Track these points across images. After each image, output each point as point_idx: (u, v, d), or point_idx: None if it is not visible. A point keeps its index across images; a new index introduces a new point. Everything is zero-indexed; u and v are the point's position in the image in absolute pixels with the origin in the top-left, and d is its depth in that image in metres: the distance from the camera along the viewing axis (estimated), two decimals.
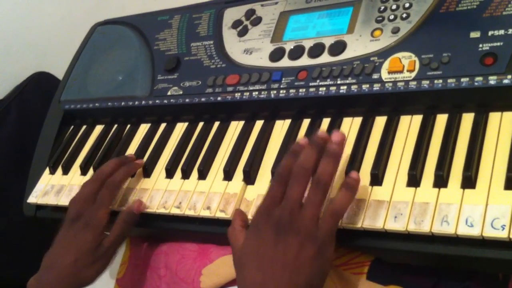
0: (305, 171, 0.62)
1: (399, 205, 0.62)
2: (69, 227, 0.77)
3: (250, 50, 0.84)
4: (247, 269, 0.61)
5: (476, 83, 0.65)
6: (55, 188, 0.90)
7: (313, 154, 0.63)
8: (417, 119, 0.69)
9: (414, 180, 0.63)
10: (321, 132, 0.65)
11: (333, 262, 0.63)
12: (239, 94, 0.81)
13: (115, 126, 0.94)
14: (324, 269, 0.60)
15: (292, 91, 0.77)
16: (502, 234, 0.55)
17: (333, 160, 0.63)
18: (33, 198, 0.91)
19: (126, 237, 0.81)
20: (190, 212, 0.75)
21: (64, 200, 0.86)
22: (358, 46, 0.75)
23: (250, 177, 0.74)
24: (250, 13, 0.88)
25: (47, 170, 0.93)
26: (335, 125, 0.74)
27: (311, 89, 0.76)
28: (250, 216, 0.70)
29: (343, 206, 0.61)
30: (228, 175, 0.76)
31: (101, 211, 0.77)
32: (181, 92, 0.86)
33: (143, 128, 0.91)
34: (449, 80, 0.66)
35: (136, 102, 0.90)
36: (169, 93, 0.87)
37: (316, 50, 0.78)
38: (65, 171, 0.92)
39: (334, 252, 0.61)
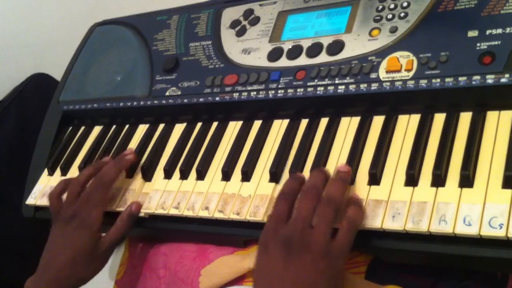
0: (316, 189, 0.63)
1: (397, 204, 0.62)
2: (64, 226, 0.77)
3: (248, 50, 0.84)
4: (257, 284, 0.61)
5: (474, 82, 0.65)
6: None
7: (322, 176, 0.64)
8: (415, 118, 0.69)
9: (412, 179, 0.63)
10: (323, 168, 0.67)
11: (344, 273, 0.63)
12: (237, 94, 0.81)
13: (114, 126, 0.94)
14: (338, 284, 0.60)
15: (290, 91, 0.77)
16: (500, 233, 0.55)
17: (343, 182, 0.64)
18: (31, 200, 0.91)
19: (124, 238, 0.81)
20: (188, 213, 0.75)
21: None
22: (356, 45, 0.75)
23: (248, 177, 0.74)
24: (248, 13, 0.88)
25: (45, 171, 0.93)
26: (333, 124, 0.74)
27: (309, 89, 0.76)
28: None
29: (359, 220, 0.61)
30: (226, 175, 0.76)
31: (96, 211, 0.77)
32: (179, 93, 0.86)
33: (142, 129, 0.91)
34: (447, 79, 0.66)
35: (135, 103, 0.90)
36: (167, 94, 0.87)
37: (314, 50, 0.78)
38: (64, 172, 0.91)
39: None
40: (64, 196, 0.81)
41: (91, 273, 0.77)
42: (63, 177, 0.91)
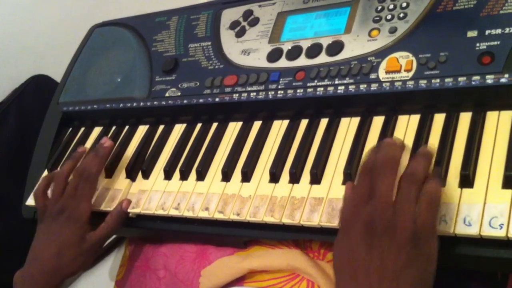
0: (394, 162, 0.56)
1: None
2: (51, 221, 0.78)
3: (248, 50, 0.84)
4: (340, 276, 0.56)
5: (473, 82, 0.65)
6: None
7: (399, 148, 0.58)
8: (415, 118, 0.69)
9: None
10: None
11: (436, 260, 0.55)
12: (237, 95, 0.81)
13: (114, 127, 0.94)
14: (429, 270, 0.54)
15: (290, 91, 0.77)
16: (500, 233, 0.55)
17: (426, 160, 0.57)
18: (31, 201, 0.90)
19: (111, 236, 0.81)
20: (188, 213, 0.75)
21: None
22: (355, 46, 0.75)
23: (248, 178, 0.74)
24: (247, 14, 0.88)
25: (45, 172, 0.93)
26: (333, 125, 0.74)
27: (309, 90, 0.76)
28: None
29: (439, 193, 0.55)
30: (226, 176, 0.76)
31: (82, 204, 0.78)
32: (179, 94, 0.86)
33: (142, 130, 0.91)
34: (447, 80, 0.66)
35: (134, 104, 0.90)
36: (167, 95, 0.87)
37: (314, 50, 0.78)
38: None
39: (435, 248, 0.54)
40: (49, 192, 0.82)
41: (78, 268, 0.78)
42: None
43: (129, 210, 0.80)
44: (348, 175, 0.67)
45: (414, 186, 0.55)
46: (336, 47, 0.77)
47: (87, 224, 0.78)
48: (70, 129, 0.99)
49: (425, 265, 0.53)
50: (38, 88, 1.22)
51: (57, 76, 1.09)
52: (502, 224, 0.55)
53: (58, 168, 0.90)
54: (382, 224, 0.53)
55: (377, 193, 0.55)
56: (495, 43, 0.65)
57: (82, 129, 0.97)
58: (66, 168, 0.82)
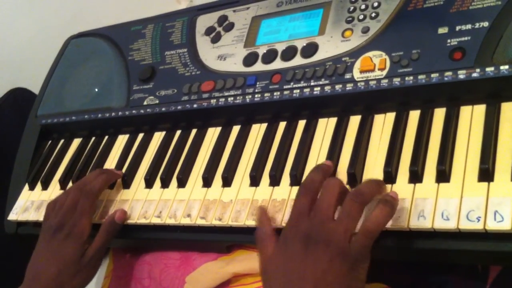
0: (338, 181, 0.60)
1: (376, 202, 0.62)
2: (51, 237, 0.77)
3: (224, 56, 0.84)
4: (273, 284, 0.58)
5: (446, 78, 0.65)
6: (35, 204, 0.89)
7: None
8: (391, 116, 0.70)
9: (389, 176, 0.64)
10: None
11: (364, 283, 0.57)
12: (215, 100, 0.81)
13: (93, 138, 0.94)
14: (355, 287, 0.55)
15: (267, 94, 0.77)
16: (478, 226, 0.56)
17: (376, 183, 0.60)
18: (13, 215, 0.90)
19: (107, 247, 0.80)
20: (171, 221, 0.75)
21: None
22: (329, 47, 0.76)
23: (229, 183, 0.74)
24: (222, 19, 0.88)
25: (26, 186, 0.93)
26: (310, 126, 0.74)
27: (286, 92, 0.76)
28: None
29: (380, 223, 0.57)
30: (207, 181, 0.76)
31: (83, 221, 0.77)
32: (157, 101, 0.86)
33: (121, 139, 0.91)
34: (420, 77, 0.67)
35: (113, 113, 0.90)
36: (145, 103, 0.87)
37: (289, 53, 0.78)
38: (45, 187, 0.91)
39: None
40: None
41: (80, 285, 0.76)
42: (44, 191, 0.90)
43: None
44: None
45: (356, 205, 0.57)
46: (310, 49, 0.77)
47: (87, 242, 0.77)
48: (50, 141, 0.98)
49: (353, 282, 0.55)
50: (16, 101, 1.21)
51: (36, 89, 1.09)
52: (480, 217, 0.56)
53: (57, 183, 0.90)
54: (319, 235, 0.56)
55: (318, 208, 0.58)
56: (466, 38, 0.66)
57: (62, 141, 0.97)
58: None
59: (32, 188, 0.92)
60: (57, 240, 0.76)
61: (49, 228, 0.78)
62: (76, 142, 0.95)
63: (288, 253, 0.57)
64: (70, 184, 0.88)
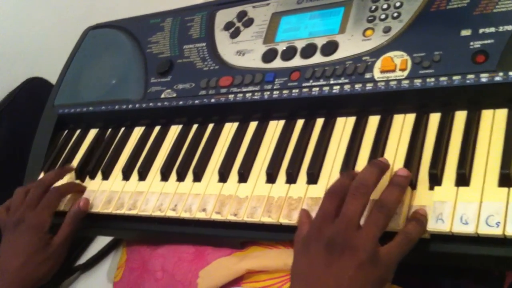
0: (365, 188, 0.58)
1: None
2: (12, 232, 0.80)
3: (242, 51, 0.84)
4: (295, 285, 0.58)
5: (467, 81, 0.65)
6: None
7: (374, 173, 0.60)
8: (410, 117, 0.69)
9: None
10: (383, 158, 0.64)
11: None
12: (233, 95, 0.81)
13: (109, 130, 0.94)
14: None
15: (285, 92, 0.77)
16: (497, 231, 0.55)
17: (399, 189, 0.60)
18: None
19: (74, 236, 0.83)
20: (185, 215, 0.75)
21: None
22: (350, 46, 0.75)
23: (245, 179, 0.74)
24: (242, 15, 0.88)
25: (42, 175, 0.93)
26: (328, 125, 0.74)
27: (304, 90, 0.76)
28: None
29: (415, 236, 0.57)
30: (223, 176, 0.76)
31: (44, 213, 0.80)
32: (174, 95, 0.86)
33: (137, 131, 0.91)
34: (441, 78, 0.67)
35: (130, 106, 0.90)
36: (162, 96, 0.87)
37: (309, 51, 0.78)
38: None
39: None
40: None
41: (47, 273, 0.80)
42: (60, 181, 0.90)
43: (125, 212, 0.79)
44: None
45: (382, 215, 0.57)
46: (330, 47, 0.77)
47: (49, 232, 0.80)
48: (66, 131, 0.99)
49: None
50: (33, 91, 1.22)
51: (53, 79, 1.09)
52: (499, 222, 0.56)
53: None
54: (344, 242, 0.55)
55: (343, 214, 0.57)
56: (489, 41, 0.66)
57: (78, 131, 0.97)
58: (29, 185, 0.85)
59: None
60: (18, 233, 0.79)
61: (10, 224, 0.81)
62: (92, 133, 0.96)
63: (310, 255, 0.57)
64: (86, 174, 0.89)
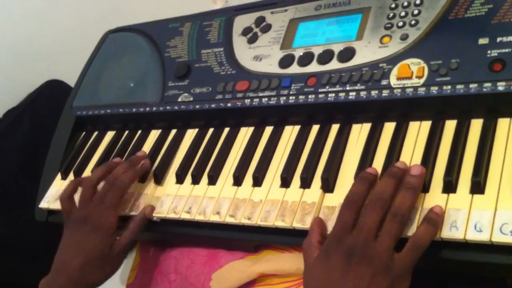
0: (383, 202, 0.60)
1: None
2: (77, 229, 0.78)
3: (259, 56, 0.85)
4: None
5: (484, 89, 0.65)
6: None
7: (391, 184, 0.61)
8: (426, 125, 0.70)
9: (423, 185, 0.63)
10: (400, 162, 0.64)
11: None
12: (249, 100, 0.82)
13: (126, 132, 0.95)
14: None
15: (301, 97, 0.78)
16: (511, 239, 0.55)
17: (412, 193, 0.61)
18: (45, 203, 0.92)
19: (134, 241, 0.81)
20: (200, 217, 0.75)
21: None
22: (367, 52, 0.76)
23: (259, 183, 0.75)
24: (260, 21, 0.89)
25: (59, 176, 0.94)
26: (344, 131, 0.74)
27: (320, 95, 0.76)
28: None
29: (425, 241, 0.58)
30: (237, 180, 0.77)
31: (110, 214, 0.77)
32: (191, 99, 0.87)
33: (154, 134, 0.92)
34: (458, 86, 0.67)
35: (147, 109, 0.91)
36: (179, 100, 0.88)
37: (325, 57, 0.79)
38: (77, 176, 0.92)
39: None
40: (76, 197, 0.81)
41: (104, 277, 0.77)
42: None
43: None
44: None
45: (396, 224, 0.59)
46: (347, 54, 0.77)
47: (114, 235, 0.78)
48: (83, 133, 1.00)
49: None
50: (52, 93, 1.23)
51: (71, 81, 1.10)
52: None
53: (89, 174, 0.89)
54: (362, 253, 0.57)
55: (362, 225, 0.59)
56: (507, 50, 0.66)
57: (95, 133, 0.98)
58: (96, 175, 0.81)
59: (64, 177, 0.94)
60: (83, 233, 0.77)
61: (76, 220, 0.79)
62: (110, 134, 0.97)
63: (330, 264, 0.59)
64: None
